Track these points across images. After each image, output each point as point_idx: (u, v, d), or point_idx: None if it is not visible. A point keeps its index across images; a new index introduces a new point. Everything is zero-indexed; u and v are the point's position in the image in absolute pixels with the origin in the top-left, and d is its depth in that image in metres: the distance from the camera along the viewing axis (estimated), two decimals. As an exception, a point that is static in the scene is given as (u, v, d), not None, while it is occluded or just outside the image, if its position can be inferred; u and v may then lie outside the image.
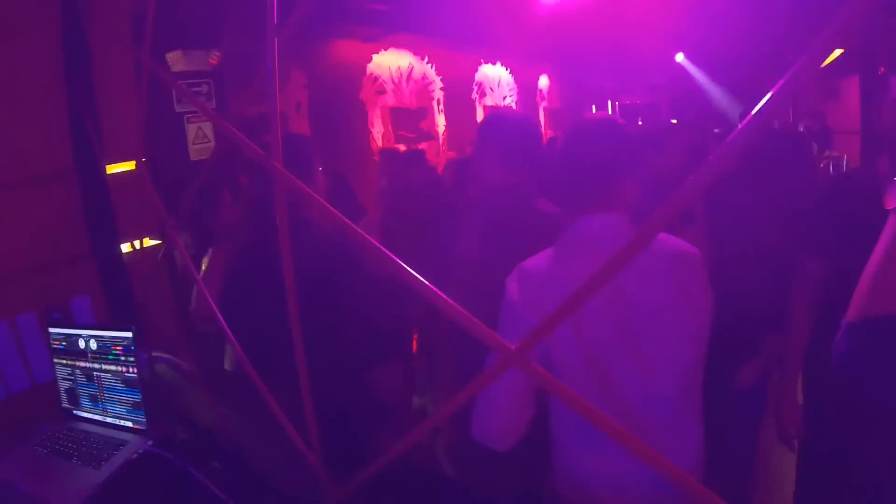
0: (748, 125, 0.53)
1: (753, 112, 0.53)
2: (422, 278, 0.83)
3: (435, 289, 0.82)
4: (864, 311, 1.55)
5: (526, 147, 2.34)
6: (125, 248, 2.71)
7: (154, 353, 2.50)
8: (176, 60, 5.46)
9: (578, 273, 1.50)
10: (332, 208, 0.95)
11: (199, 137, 5.75)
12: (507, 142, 2.32)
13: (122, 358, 1.98)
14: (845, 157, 9.04)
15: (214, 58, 5.71)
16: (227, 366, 3.36)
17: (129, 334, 1.97)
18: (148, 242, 2.71)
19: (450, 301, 0.81)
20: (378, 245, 0.91)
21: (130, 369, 1.98)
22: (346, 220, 0.94)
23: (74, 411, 2.16)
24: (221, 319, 1.69)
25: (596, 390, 1.64)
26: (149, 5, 2.03)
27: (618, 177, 1.70)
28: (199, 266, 3.33)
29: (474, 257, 2.21)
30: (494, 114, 2.55)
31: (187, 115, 5.69)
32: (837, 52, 8.88)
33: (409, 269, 0.86)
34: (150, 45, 1.94)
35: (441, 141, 9.64)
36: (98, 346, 2.02)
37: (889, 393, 1.71)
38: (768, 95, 0.52)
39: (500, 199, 2.30)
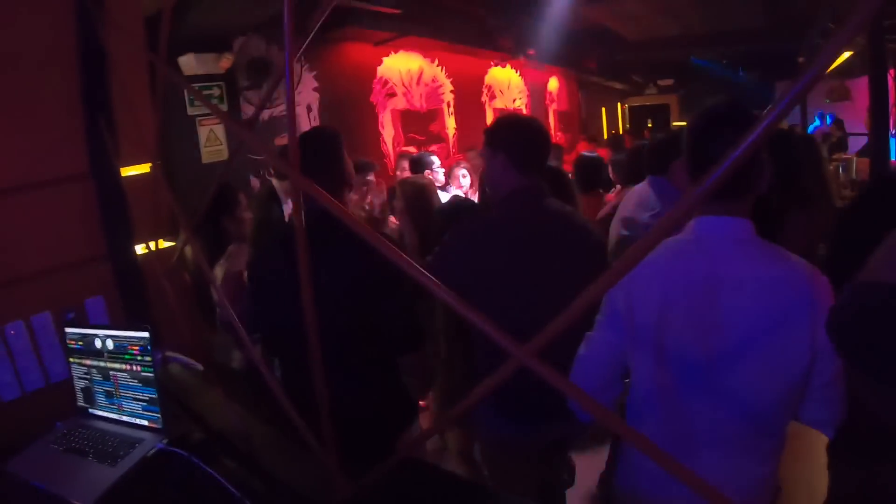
0: (767, 123, 0.54)
1: (768, 111, 0.55)
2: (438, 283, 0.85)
3: (446, 292, 0.84)
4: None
5: (535, 150, 2.43)
6: (140, 249, 2.74)
7: (167, 354, 2.53)
8: (188, 64, 5.50)
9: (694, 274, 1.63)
10: (349, 214, 0.98)
11: (212, 140, 5.80)
12: (516, 145, 2.39)
13: (139, 357, 2.00)
14: (855, 159, 9.01)
15: (226, 61, 5.75)
16: (234, 364, 3.40)
17: (146, 334, 1.99)
18: (162, 244, 2.74)
19: (460, 302, 0.83)
20: (400, 252, 0.93)
21: (146, 368, 2.00)
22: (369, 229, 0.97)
23: (90, 409, 2.18)
24: (236, 321, 1.72)
25: (663, 398, 1.69)
26: (164, 11, 2.07)
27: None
28: (214, 268, 3.36)
29: (499, 267, 2.29)
30: (503, 118, 2.58)
31: (199, 118, 5.74)
32: (847, 54, 8.84)
33: (426, 273, 0.88)
34: (166, 50, 1.97)
35: (451, 143, 9.65)
36: (115, 345, 2.04)
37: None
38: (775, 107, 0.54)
39: (514, 202, 2.37)
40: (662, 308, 1.65)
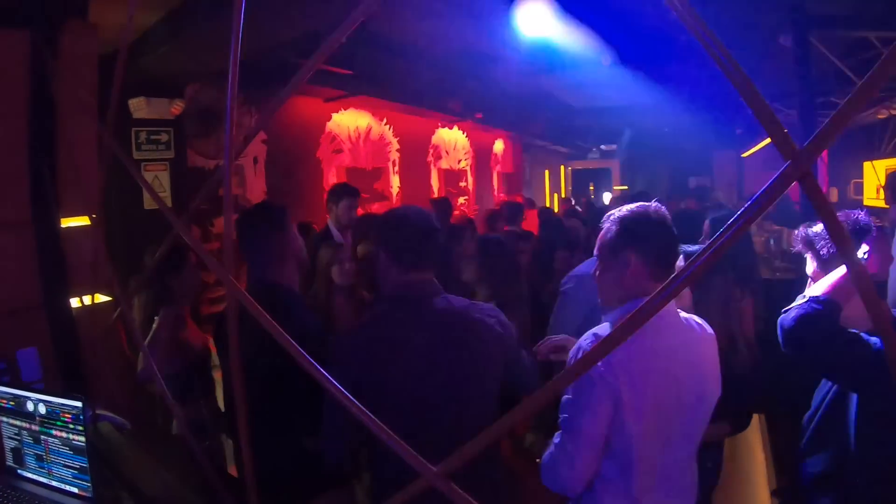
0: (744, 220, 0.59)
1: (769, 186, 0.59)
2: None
3: (358, 408, 0.86)
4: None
5: (416, 244, 2.24)
6: (75, 303, 2.70)
7: (98, 412, 2.48)
8: (138, 107, 5.47)
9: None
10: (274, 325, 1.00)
11: (156, 187, 5.75)
12: (393, 242, 2.25)
13: (71, 426, 1.97)
14: (785, 231, 9.18)
15: (177, 107, 5.73)
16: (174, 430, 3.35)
17: (79, 404, 1.97)
18: (99, 298, 2.71)
19: (372, 420, 0.84)
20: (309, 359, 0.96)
21: (78, 437, 1.97)
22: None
23: (19, 471, 2.13)
24: (162, 383, 1.71)
25: (644, 441, 1.90)
26: (116, 77, 2.09)
27: None
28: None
29: (391, 377, 2.14)
30: (382, 214, 2.50)
31: (145, 164, 5.69)
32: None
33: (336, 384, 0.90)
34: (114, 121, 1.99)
35: (395, 202, 9.71)
36: (47, 411, 2.01)
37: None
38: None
39: (395, 305, 2.23)
40: (649, 381, 1.90)
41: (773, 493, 2.38)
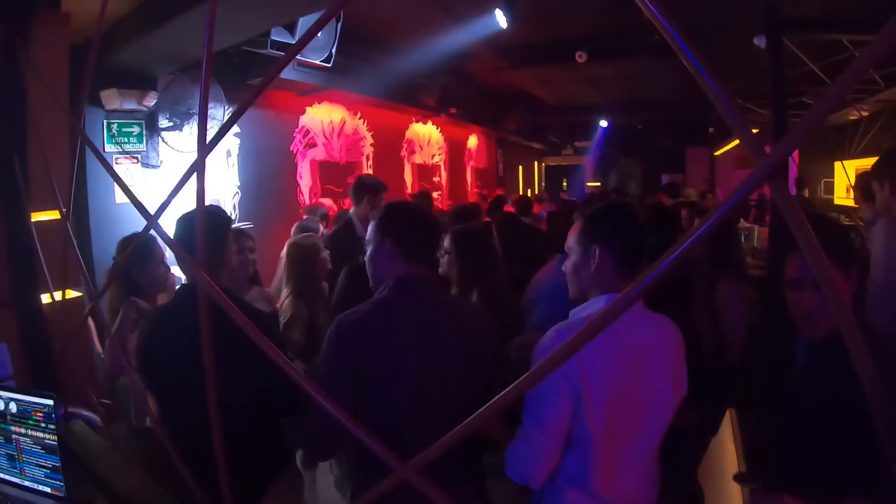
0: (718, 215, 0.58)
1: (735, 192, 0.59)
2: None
3: (328, 401, 0.85)
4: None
5: (425, 240, 2.35)
6: (46, 298, 2.66)
7: (70, 409, 2.44)
8: (110, 98, 5.39)
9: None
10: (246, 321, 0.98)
11: (128, 180, 5.66)
12: (407, 233, 2.29)
13: (43, 424, 1.95)
14: (756, 227, 9.30)
15: (149, 99, 5.66)
16: (133, 420, 3.32)
17: (51, 402, 1.94)
18: (70, 294, 2.66)
19: (344, 413, 0.83)
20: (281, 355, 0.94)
21: (50, 436, 1.94)
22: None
23: (-10, 471, 2.10)
24: (132, 374, 1.69)
25: (604, 435, 1.94)
26: (87, 68, 2.05)
27: None
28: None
29: (391, 358, 2.16)
30: (394, 204, 2.50)
31: (116, 156, 5.62)
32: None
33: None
34: (84, 115, 1.95)
35: (368, 196, 9.67)
36: (18, 409, 1.98)
37: None
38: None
39: (400, 290, 2.23)
40: (611, 376, 1.93)
41: (736, 478, 2.40)
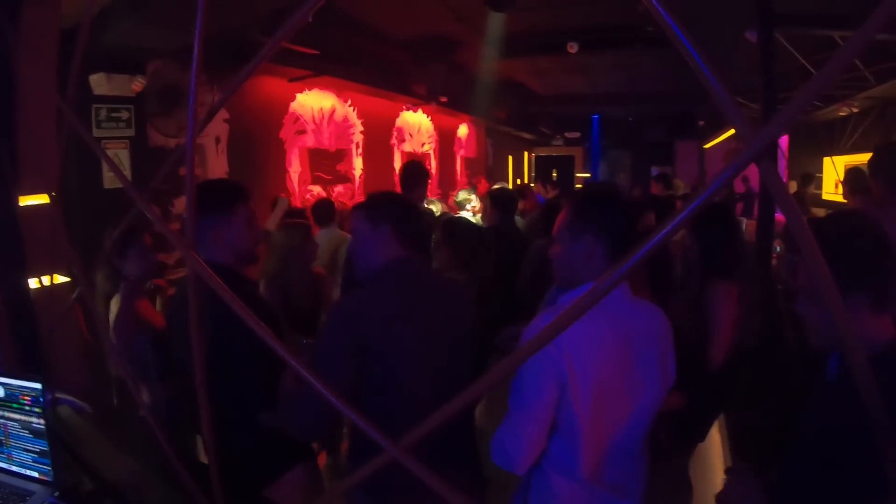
0: (695, 205, 0.59)
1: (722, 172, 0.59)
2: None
3: (321, 384, 0.86)
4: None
5: (419, 227, 2.51)
6: (34, 283, 2.64)
7: (58, 395, 2.44)
8: (99, 83, 5.35)
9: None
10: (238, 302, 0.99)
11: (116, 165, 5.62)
12: (404, 219, 2.39)
13: (30, 408, 1.94)
14: (744, 221, 9.33)
15: (138, 84, 5.62)
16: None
17: (38, 385, 1.94)
18: (57, 279, 2.65)
19: (337, 395, 0.84)
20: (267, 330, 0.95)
21: (37, 420, 1.94)
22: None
23: (-24, 456, 2.09)
24: (125, 363, 1.68)
25: (591, 422, 1.94)
26: (77, 51, 2.03)
27: None
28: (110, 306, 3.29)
29: (391, 336, 2.21)
30: (386, 194, 2.54)
31: (105, 141, 5.57)
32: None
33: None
34: (75, 97, 1.93)
35: (357, 184, 9.66)
36: (5, 393, 1.98)
37: None
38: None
39: (397, 271, 2.32)
40: (597, 363, 1.93)
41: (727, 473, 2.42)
